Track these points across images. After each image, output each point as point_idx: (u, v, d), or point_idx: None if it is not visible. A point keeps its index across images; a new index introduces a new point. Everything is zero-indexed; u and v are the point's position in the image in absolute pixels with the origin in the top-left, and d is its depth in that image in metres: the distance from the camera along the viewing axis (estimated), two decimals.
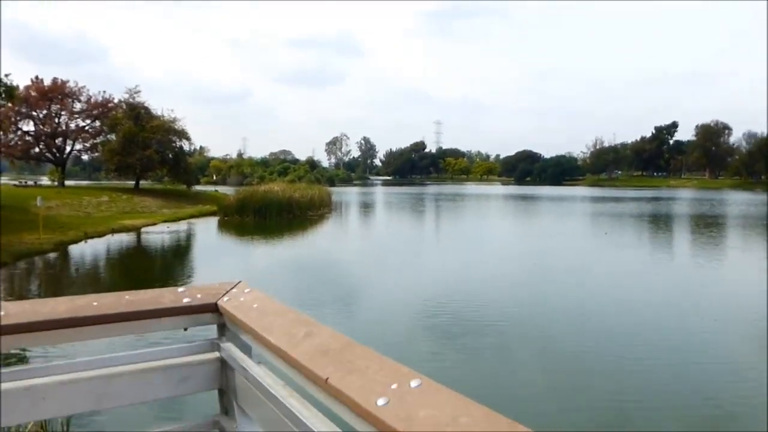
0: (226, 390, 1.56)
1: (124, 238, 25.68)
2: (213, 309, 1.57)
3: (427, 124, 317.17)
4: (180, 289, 1.62)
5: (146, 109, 48.05)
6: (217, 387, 1.57)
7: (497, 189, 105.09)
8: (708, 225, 34.73)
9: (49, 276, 17.55)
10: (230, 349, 1.51)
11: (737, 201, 62.55)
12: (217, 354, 1.55)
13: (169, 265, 20.07)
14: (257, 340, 1.36)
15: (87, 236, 24.49)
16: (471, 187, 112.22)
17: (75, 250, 21.82)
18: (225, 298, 1.58)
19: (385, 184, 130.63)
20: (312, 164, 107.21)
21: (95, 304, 1.47)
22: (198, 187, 55.53)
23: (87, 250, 21.82)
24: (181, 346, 1.53)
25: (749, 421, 6.96)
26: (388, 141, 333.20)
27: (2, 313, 1.36)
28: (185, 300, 1.56)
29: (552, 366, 9.05)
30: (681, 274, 17.73)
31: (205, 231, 30.40)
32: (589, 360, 9.20)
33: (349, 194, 73.25)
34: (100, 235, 25.57)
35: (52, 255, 20.17)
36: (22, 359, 6.59)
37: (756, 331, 10.64)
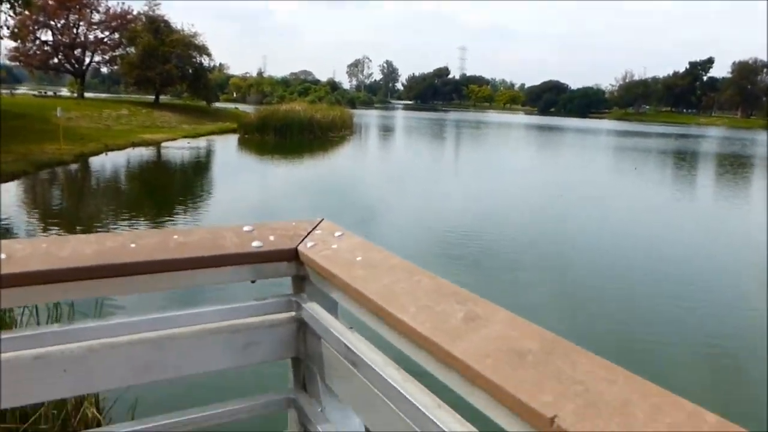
0: (304, 359, 1.26)
1: (144, 152, 25.56)
2: (291, 256, 1.23)
3: (451, 50, 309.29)
4: (246, 228, 1.25)
5: (166, 22, 46.91)
6: (291, 355, 1.27)
7: (520, 118, 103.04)
8: (739, 165, 33.78)
9: (70, 187, 17.54)
10: (314, 309, 1.19)
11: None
12: (293, 314, 1.24)
13: (191, 181, 19.97)
14: (361, 305, 1.02)
15: (107, 149, 24.39)
16: (493, 116, 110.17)
17: (95, 162, 21.76)
18: (308, 243, 1.23)
19: (406, 108, 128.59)
20: (333, 86, 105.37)
21: (132, 246, 1.11)
22: (217, 104, 54.93)
23: (107, 163, 21.75)
24: (248, 304, 1.21)
25: (748, 364, 6.78)
26: (411, 65, 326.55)
27: (2, 256, 0.98)
28: (254, 244, 1.20)
29: (566, 294, 8.97)
30: (704, 213, 17.27)
31: (226, 148, 30.17)
32: (603, 290, 9.10)
33: (369, 117, 72.25)
34: (120, 148, 25.46)
35: (73, 166, 20.13)
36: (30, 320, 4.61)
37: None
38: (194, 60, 48.14)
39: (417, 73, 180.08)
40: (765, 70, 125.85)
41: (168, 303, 1.45)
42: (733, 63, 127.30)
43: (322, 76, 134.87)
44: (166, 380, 1.12)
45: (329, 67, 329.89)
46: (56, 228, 11.42)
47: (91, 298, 1.09)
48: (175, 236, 1.18)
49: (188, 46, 46.38)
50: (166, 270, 1.11)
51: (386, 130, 53.07)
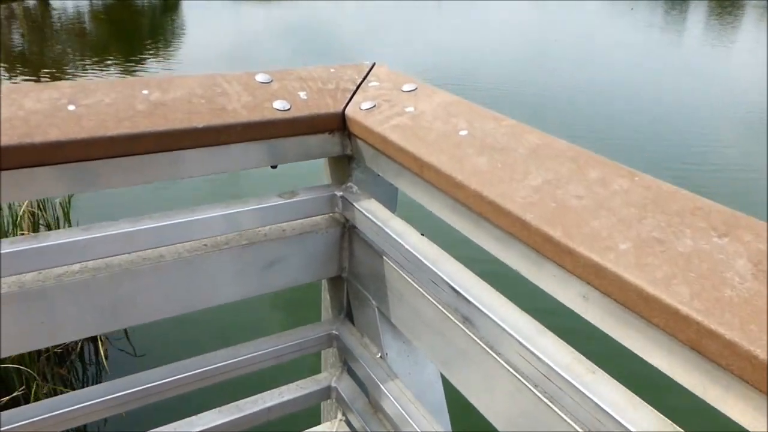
0: (352, 280, 0.96)
1: None
2: (334, 125, 0.87)
3: None
4: (261, 78, 0.86)
5: None
6: (332, 274, 0.96)
7: None
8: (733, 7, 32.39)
9: (30, 26, 16.39)
10: (368, 209, 0.86)
11: None
12: (334, 215, 0.93)
13: (160, 20, 18.73)
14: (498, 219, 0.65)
15: None
16: None
17: None
18: (361, 102, 0.87)
19: None
20: None
21: (71, 108, 0.72)
22: None
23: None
24: (267, 204, 0.85)
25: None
26: None
27: None
28: (276, 105, 0.82)
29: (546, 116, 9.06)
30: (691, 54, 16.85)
31: None
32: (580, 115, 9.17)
33: None
34: None
35: (31, 2, 18.68)
36: None
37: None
38: None
39: None
40: None
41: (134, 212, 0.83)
42: None
43: None
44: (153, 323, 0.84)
45: None
46: (24, 74, 10.85)
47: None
48: (145, 91, 0.77)
49: None
50: (128, 152, 0.73)
51: None
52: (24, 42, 14.14)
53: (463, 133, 0.75)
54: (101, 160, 0.71)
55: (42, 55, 12.92)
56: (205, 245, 0.83)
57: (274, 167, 0.86)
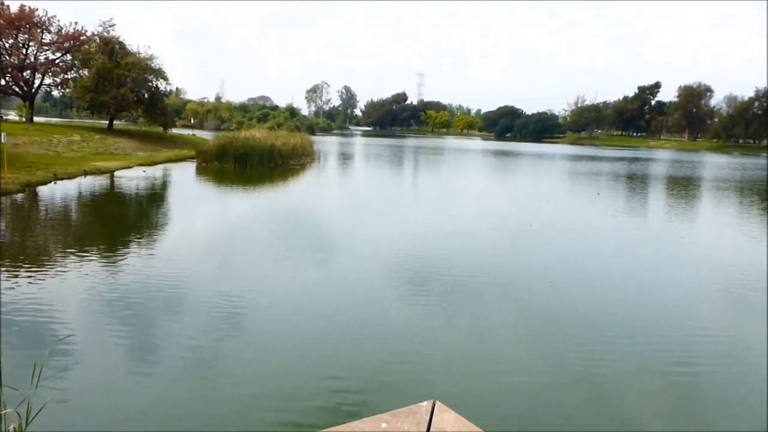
0: None
1: (97, 181, 24.56)
2: None
3: (409, 75, 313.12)
4: None
5: (121, 44, 45.80)
6: None
7: (477, 144, 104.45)
8: (693, 187, 34.70)
9: (15, 218, 16.55)
10: None
11: (718, 164, 62.90)
12: None
13: (145, 212, 19.15)
14: None
15: (56, 177, 23.31)
16: (451, 141, 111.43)
17: (44, 191, 20.73)
18: None
19: (365, 134, 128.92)
20: (292, 111, 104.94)
21: None
22: (174, 131, 53.75)
23: (57, 193, 20.74)
24: None
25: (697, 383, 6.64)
26: (370, 92, 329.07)
27: None
28: None
29: (524, 318, 8.85)
30: (659, 235, 17.44)
31: (183, 178, 29.31)
32: (561, 314, 8.91)
33: (329, 144, 72.08)
34: (71, 176, 24.38)
35: (19, 196, 19.10)
36: None
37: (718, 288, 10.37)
38: (150, 84, 46.99)
39: (375, 99, 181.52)
40: (708, 93, 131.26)
41: None
42: (679, 87, 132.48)
43: (281, 102, 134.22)
44: None
45: (288, 92, 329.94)
46: None
47: None
48: None
49: (144, 70, 45.25)
50: None
51: (346, 157, 52.86)
52: (6, 234, 14.12)
53: None
54: None
55: (23, 245, 12.83)
56: None
57: None
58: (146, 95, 46.53)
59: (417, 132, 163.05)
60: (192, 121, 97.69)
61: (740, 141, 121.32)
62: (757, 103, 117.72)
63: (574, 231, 17.34)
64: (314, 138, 59.52)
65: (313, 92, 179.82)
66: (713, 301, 10.64)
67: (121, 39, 46.26)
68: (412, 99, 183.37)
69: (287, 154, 35.82)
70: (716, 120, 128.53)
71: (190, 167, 32.94)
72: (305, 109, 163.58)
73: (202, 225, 16.31)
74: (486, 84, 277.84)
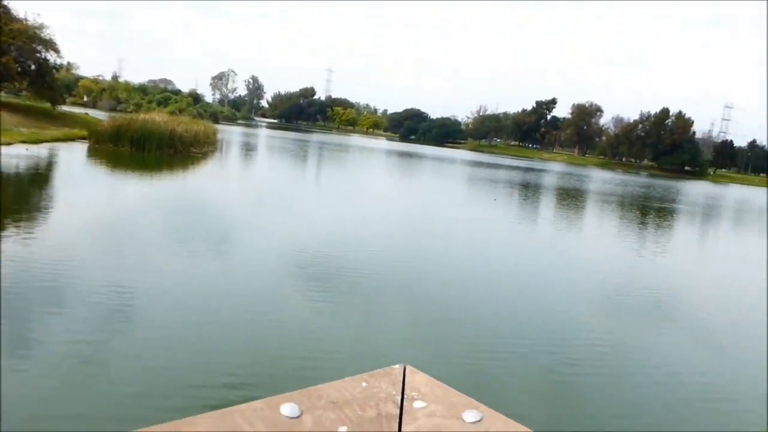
0: None
1: None
2: None
3: (318, 71, 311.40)
4: (286, 410, 0.82)
5: (5, 8, 42.14)
6: None
7: (382, 144, 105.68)
8: (581, 199, 37.01)
9: None
10: None
11: (603, 179, 67.49)
12: None
13: (25, 194, 17.79)
14: None
15: None
16: (357, 139, 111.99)
17: None
18: None
19: (271, 127, 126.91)
20: (195, 98, 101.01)
21: None
22: (64, 108, 50.23)
23: None
24: None
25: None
26: (277, 84, 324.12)
27: None
28: None
29: (418, 316, 9.10)
30: (547, 243, 18.53)
31: (72, 159, 27.51)
32: (453, 314, 9.32)
33: (233, 134, 70.27)
34: None
35: None
36: None
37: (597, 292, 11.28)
38: (38, 55, 43.55)
39: (283, 92, 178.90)
40: (598, 113, 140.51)
41: None
42: (573, 105, 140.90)
43: (184, 87, 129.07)
44: None
45: (192, 77, 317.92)
46: None
47: None
48: None
49: (32, 39, 41.82)
50: None
51: (250, 149, 51.77)
52: None
53: None
54: None
55: None
56: None
57: None
58: (33, 67, 43.13)
59: (323, 128, 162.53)
60: (85, 99, 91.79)
61: (623, 159, 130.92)
62: (640, 126, 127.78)
63: (469, 235, 17.99)
64: (218, 126, 57.74)
65: (219, 79, 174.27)
66: (594, 306, 11.42)
67: (5, 3, 42.57)
68: (320, 94, 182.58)
69: (189, 141, 34.51)
70: (604, 138, 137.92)
71: (81, 148, 30.96)
72: (209, 97, 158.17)
73: (92, 212, 15.36)
74: (393, 87, 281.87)
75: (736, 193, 75.23)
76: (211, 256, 11.73)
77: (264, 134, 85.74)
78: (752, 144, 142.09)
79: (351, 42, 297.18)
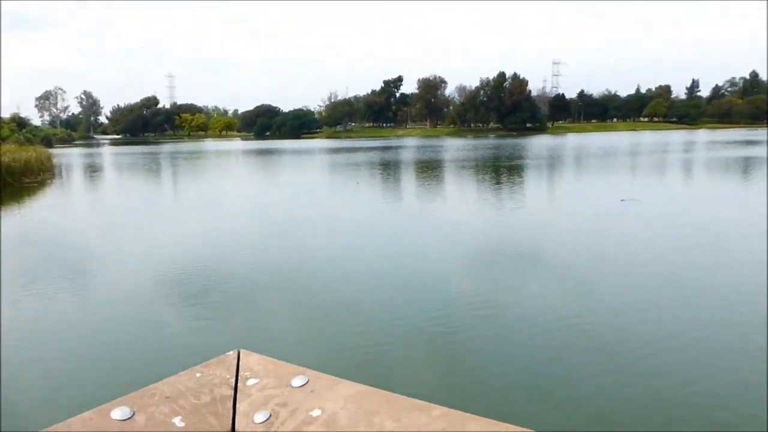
0: None
1: None
2: None
3: (159, 79, 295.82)
4: (117, 413, 0.81)
5: None
6: None
7: (238, 144, 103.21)
8: (438, 169, 38.68)
9: None
10: None
11: (456, 146, 70.87)
12: None
13: None
14: None
15: None
16: (210, 144, 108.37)
17: None
18: (252, 413, 0.82)
19: (115, 143, 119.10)
20: (20, 122, 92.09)
21: None
22: None
23: None
24: None
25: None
26: (116, 97, 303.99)
27: None
28: None
29: (301, 312, 9.16)
30: (417, 216, 19.36)
31: None
32: (335, 302, 9.53)
33: (72, 156, 65.28)
34: None
35: None
36: None
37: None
38: None
39: (123, 104, 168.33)
40: (443, 84, 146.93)
41: None
42: (418, 80, 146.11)
43: (4, 112, 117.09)
44: None
45: (11, 101, 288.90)
46: None
47: None
48: None
49: None
50: None
51: (95, 170, 48.32)
52: None
53: None
54: None
55: None
56: None
57: None
58: None
59: (173, 137, 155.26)
60: None
61: (472, 125, 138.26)
62: (481, 92, 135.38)
63: (337, 223, 18.27)
64: (53, 151, 53.24)
65: (46, 99, 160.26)
66: (467, 270, 12.12)
67: None
68: (164, 102, 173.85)
69: (20, 171, 31.59)
70: (451, 108, 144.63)
71: None
72: (37, 119, 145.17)
73: None
74: (241, 85, 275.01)
75: (574, 141, 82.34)
76: (69, 288, 10.97)
77: (108, 152, 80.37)
78: (581, 94, 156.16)
79: (191, 44, 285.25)
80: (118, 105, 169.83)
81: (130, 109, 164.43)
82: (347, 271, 11.78)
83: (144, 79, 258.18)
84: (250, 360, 0.94)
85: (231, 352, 0.97)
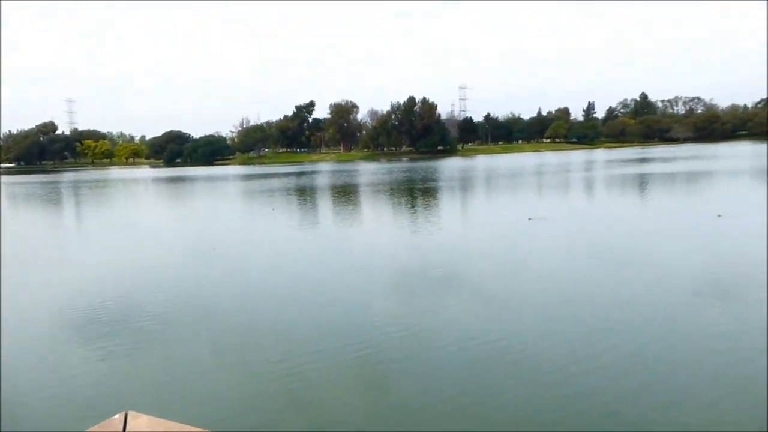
0: None
1: None
2: None
3: (57, 103, 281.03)
4: None
5: None
6: None
7: (146, 172, 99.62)
8: (354, 194, 38.96)
9: None
10: None
11: (370, 170, 71.68)
12: None
13: None
14: None
15: None
16: (116, 172, 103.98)
17: None
18: None
19: (8, 172, 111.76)
20: None
21: None
22: None
23: None
24: None
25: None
26: (6, 123, 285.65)
27: None
28: None
29: (218, 343, 9.07)
30: (332, 240, 19.44)
31: None
32: (260, 329, 9.44)
33: None
34: None
35: None
36: None
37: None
38: None
39: (15, 131, 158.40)
40: (355, 109, 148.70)
41: None
42: (330, 105, 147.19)
43: None
44: None
45: None
46: None
47: None
48: None
49: None
50: None
51: None
52: None
53: None
54: None
55: None
56: None
57: None
58: None
59: (75, 165, 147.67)
60: None
61: (385, 149, 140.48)
62: (393, 116, 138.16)
63: (254, 247, 18.03)
64: None
65: None
66: (386, 293, 12.27)
67: None
68: (63, 129, 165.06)
69: None
70: (364, 132, 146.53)
71: None
72: None
73: None
74: (148, 111, 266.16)
75: (483, 163, 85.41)
76: None
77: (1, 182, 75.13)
78: (488, 117, 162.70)
79: (90, 69, 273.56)
80: (9, 131, 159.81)
81: (25, 136, 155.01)
82: (261, 301, 11.64)
83: (35, 101, 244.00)
84: (139, 423, 0.89)
85: (117, 415, 0.93)
